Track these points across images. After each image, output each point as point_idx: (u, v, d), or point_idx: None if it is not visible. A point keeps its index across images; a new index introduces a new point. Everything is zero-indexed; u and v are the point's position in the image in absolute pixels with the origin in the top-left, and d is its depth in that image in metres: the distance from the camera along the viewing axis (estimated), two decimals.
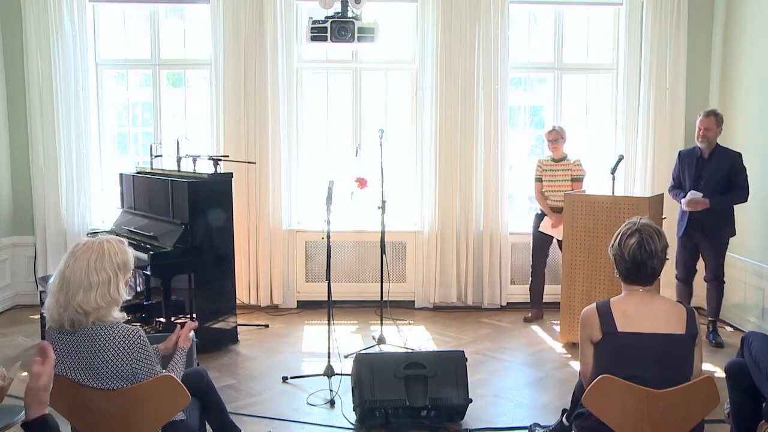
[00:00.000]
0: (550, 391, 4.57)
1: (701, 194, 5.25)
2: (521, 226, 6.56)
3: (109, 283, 2.51)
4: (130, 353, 2.51)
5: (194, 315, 5.37)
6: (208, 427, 3.24)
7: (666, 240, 2.78)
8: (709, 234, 5.35)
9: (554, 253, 6.17)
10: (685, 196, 5.33)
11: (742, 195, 5.27)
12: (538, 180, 6.04)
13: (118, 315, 2.57)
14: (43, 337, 5.37)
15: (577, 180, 5.93)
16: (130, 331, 2.53)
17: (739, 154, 5.31)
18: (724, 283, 5.47)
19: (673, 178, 5.60)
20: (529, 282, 6.15)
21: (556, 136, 5.97)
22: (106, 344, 2.49)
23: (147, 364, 2.56)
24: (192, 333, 3.07)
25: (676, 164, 5.59)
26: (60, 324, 2.52)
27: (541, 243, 6.06)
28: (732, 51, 6.16)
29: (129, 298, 2.67)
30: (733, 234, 5.41)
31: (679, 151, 5.62)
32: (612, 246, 2.80)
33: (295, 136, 6.47)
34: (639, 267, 2.71)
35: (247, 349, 5.33)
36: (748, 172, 5.27)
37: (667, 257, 2.78)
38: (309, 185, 6.60)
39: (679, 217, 5.53)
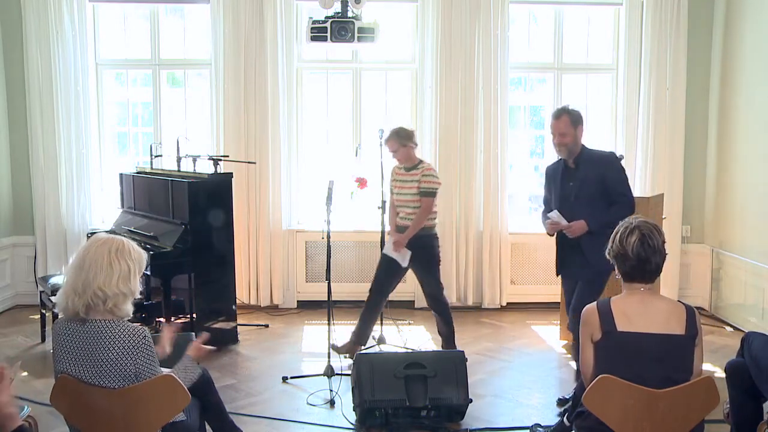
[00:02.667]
0: (550, 391, 4.56)
1: (560, 216, 4.14)
2: (521, 226, 6.57)
3: (129, 272, 2.57)
4: (135, 352, 2.51)
5: (194, 315, 5.37)
6: (208, 427, 3.24)
7: (664, 236, 2.78)
8: (588, 264, 4.05)
9: (539, 254, 6.04)
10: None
11: (626, 206, 4.01)
12: (390, 190, 5.10)
13: (131, 308, 2.61)
14: (43, 338, 5.39)
15: (427, 194, 4.80)
16: (137, 330, 2.55)
17: (612, 154, 4.35)
18: None
19: (543, 201, 4.50)
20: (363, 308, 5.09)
21: (394, 145, 4.87)
22: (113, 341, 2.50)
23: (150, 365, 2.56)
24: (192, 333, 3.07)
25: (544, 183, 4.50)
26: (73, 313, 2.53)
27: (388, 266, 4.99)
28: (732, 51, 6.16)
29: (139, 296, 2.69)
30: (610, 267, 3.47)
31: (546, 167, 4.50)
32: (611, 246, 2.78)
33: (295, 136, 6.47)
34: (643, 264, 2.70)
35: (247, 349, 5.33)
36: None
37: (666, 252, 2.78)
38: (309, 185, 6.60)
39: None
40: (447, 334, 5.03)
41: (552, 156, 6.62)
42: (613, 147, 6.50)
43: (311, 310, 6.39)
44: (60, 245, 6.38)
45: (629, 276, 2.76)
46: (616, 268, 2.80)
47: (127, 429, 2.53)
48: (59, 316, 2.65)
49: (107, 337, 2.51)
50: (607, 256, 2.82)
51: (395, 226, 5.00)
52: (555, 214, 4.16)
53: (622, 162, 5.25)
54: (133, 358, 2.51)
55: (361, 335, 5.05)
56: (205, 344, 2.97)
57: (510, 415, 4.14)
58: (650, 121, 6.36)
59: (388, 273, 5.02)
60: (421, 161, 4.99)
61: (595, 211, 4.05)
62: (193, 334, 3.95)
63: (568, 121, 4.15)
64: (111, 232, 5.53)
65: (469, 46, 6.28)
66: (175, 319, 5.21)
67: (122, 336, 2.51)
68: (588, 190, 4.13)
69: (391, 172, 5.12)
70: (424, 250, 4.90)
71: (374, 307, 5.07)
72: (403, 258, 4.88)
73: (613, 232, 2.80)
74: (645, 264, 2.71)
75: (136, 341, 2.52)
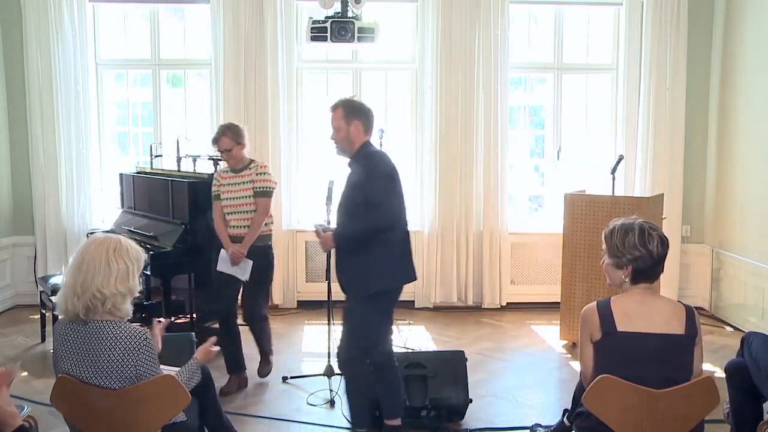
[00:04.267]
0: (550, 391, 4.57)
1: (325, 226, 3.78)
2: (521, 226, 6.58)
3: (127, 271, 2.56)
4: (136, 353, 2.52)
5: (194, 315, 5.37)
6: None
7: None
8: (343, 285, 3.63)
9: (539, 253, 6.05)
10: None
11: (370, 219, 3.41)
12: (216, 198, 4.55)
13: (130, 307, 2.61)
14: (43, 338, 5.39)
15: (263, 194, 4.41)
16: (138, 331, 2.55)
17: (379, 157, 3.62)
18: (397, 376, 3.69)
19: None
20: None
21: (228, 143, 4.44)
22: (114, 342, 2.50)
23: (151, 366, 2.56)
24: (192, 333, 3.07)
25: None
26: (74, 314, 2.52)
27: (227, 285, 4.45)
28: (732, 51, 6.16)
29: (138, 294, 2.69)
30: (373, 290, 3.46)
31: None
32: (628, 252, 2.68)
33: (295, 136, 6.47)
34: (658, 264, 2.71)
35: (247, 349, 5.31)
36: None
37: None
38: (309, 185, 6.60)
39: None
40: (268, 350, 4.65)
41: (552, 156, 6.67)
42: (613, 147, 6.52)
43: (311, 310, 6.39)
44: (60, 245, 6.38)
45: (641, 276, 2.72)
46: (627, 269, 2.71)
47: (127, 429, 2.53)
48: (60, 318, 2.64)
49: (108, 339, 2.51)
50: (621, 261, 2.72)
51: (227, 237, 4.43)
52: (316, 224, 3.72)
53: (622, 162, 5.18)
54: (134, 360, 2.51)
55: (234, 365, 4.55)
56: (212, 348, 2.96)
57: (510, 415, 4.15)
58: (650, 121, 6.36)
59: (229, 297, 4.46)
60: (252, 160, 4.55)
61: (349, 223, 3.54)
62: (193, 334, 3.96)
63: (341, 113, 3.62)
64: (111, 232, 5.53)
65: (469, 46, 6.28)
66: (175, 319, 5.21)
67: (123, 337, 2.51)
68: (350, 198, 3.55)
69: (214, 179, 4.60)
70: (261, 260, 4.43)
71: (231, 332, 4.53)
72: (244, 271, 4.37)
73: (620, 239, 2.71)
74: (659, 264, 2.71)
75: (137, 342, 2.52)
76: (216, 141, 4.50)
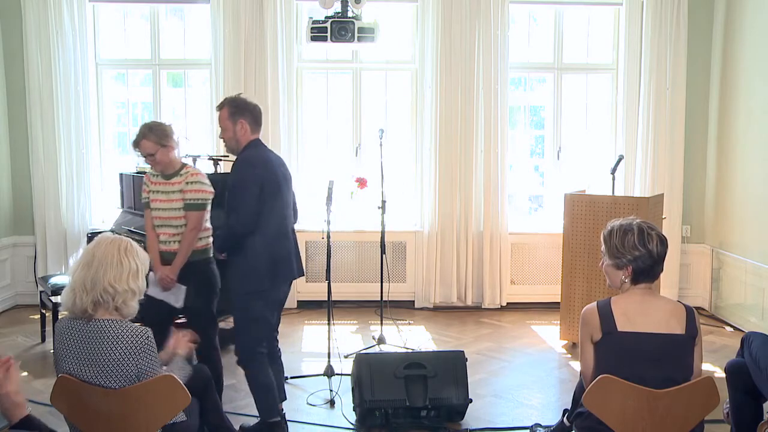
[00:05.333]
0: (550, 391, 4.57)
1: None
2: (521, 226, 6.58)
3: (137, 270, 2.61)
4: (138, 353, 2.52)
5: None
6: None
7: None
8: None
9: (539, 253, 6.06)
10: None
11: (233, 226, 3.49)
12: (146, 206, 3.91)
13: (137, 306, 2.65)
14: (43, 338, 5.39)
15: (194, 207, 3.77)
16: (140, 331, 2.56)
17: (248, 158, 3.56)
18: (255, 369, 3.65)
19: None
20: None
21: (150, 147, 3.77)
22: (115, 341, 2.51)
23: (151, 366, 2.57)
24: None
25: None
26: (81, 310, 2.53)
27: (158, 311, 3.71)
28: (732, 51, 6.16)
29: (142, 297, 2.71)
30: (250, 290, 3.53)
31: None
32: (627, 252, 2.68)
33: (295, 136, 6.47)
34: (658, 263, 2.71)
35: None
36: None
37: None
38: (309, 185, 6.60)
39: None
40: (221, 389, 3.91)
41: (552, 156, 6.67)
42: (613, 147, 6.52)
43: (311, 310, 6.39)
44: (60, 245, 6.38)
45: (641, 276, 2.72)
46: (627, 269, 2.72)
47: (127, 429, 2.53)
48: (62, 316, 2.65)
49: (110, 338, 2.51)
50: (621, 261, 2.73)
51: (158, 255, 3.78)
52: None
53: (622, 162, 5.14)
54: (136, 359, 2.52)
55: None
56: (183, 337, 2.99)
57: (510, 415, 4.15)
58: (650, 121, 6.36)
59: (163, 327, 3.33)
60: (184, 165, 3.92)
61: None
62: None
63: (226, 113, 3.58)
64: (111, 231, 5.53)
65: (469, 46, 6.28)
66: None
67: (125, 337, 2.52)
68: (229, 200, 3.55)
69: (144, 183, 3.96)
70: (198, 281, 3.81)
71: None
72: (177, 297, 3.76)
73: (619, 240, 2.72)
74: (659, 263, 2.71)
75: (139, 342, 2.53)
76: (136, 144, 3.82)
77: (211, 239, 3.93)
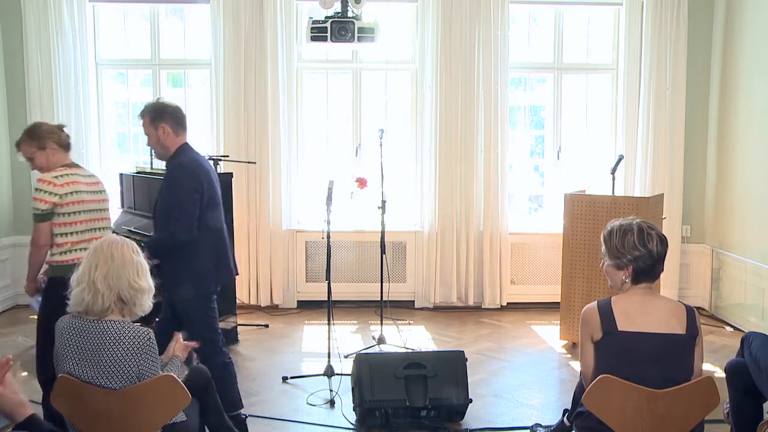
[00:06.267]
0: (550, 391, 4.57)
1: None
2: (521, 226, 6.58)
3: (148, 269, 2.68)
4: (139, 354, 2.52)
5: None
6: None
7: None
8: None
9: (539, 253, 6.05)
10: None
11: (175, 233, 3.43)
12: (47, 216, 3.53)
13: (150, 304, 2.68)
14: None
15: (34, 218, 3.47)
16: (142, 331, 2.56)
17: (178, 164, 3.53)
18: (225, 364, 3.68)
19: None
20: None
21: (26, 151, 3.62)
22: (117, 341, 2.51)
23: (152, 366, 2.57)
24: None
25: None
26: (101, 310, 2.52)
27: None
28: (732, 51, 6.16)
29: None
30: (201, 293, 3.56)
31: None
32: (628, 252, 2.68)
33: (295, 136, 6.47)
34: (658, 262, 2.71)
35: (247, 349, 5.33)
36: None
37: None
38: (309, 185, 6.61)
39: None
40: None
41: (552, 156, 6.67)
42: (613, 147, 6.52)
43: (311, 310, 6.39)
44: None
45: (642, 276, 2.72)
46: (627, 269, 2.71)
47: (127, 429, 2.53)
48: (62, 317, 2.63)
49: (112, 338, 2.51)
50: (621, 262, 2.73)
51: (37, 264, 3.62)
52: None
53: (622, 162, 5.15)
54: (136, 360, 2.52)
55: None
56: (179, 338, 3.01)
57: (510, 415, 4.15)
58: (650, 121, 6.36)
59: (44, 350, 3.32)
60: (61, 168, 3.59)
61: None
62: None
63: (147, 120, 3.52)
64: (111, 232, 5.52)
65: (469, 46, 6.28)
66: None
67: (127, 337, 2.52)
68: (159, 206, 3.54)
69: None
70: (46, 296, 3.57)
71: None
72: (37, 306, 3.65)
73: (619, 240, 2.72)
74: (659, 262, 2.71)
75: (141, 343, 2.53)
76: (17, 147, 3.69)
77: (69, 255, 3.54)
